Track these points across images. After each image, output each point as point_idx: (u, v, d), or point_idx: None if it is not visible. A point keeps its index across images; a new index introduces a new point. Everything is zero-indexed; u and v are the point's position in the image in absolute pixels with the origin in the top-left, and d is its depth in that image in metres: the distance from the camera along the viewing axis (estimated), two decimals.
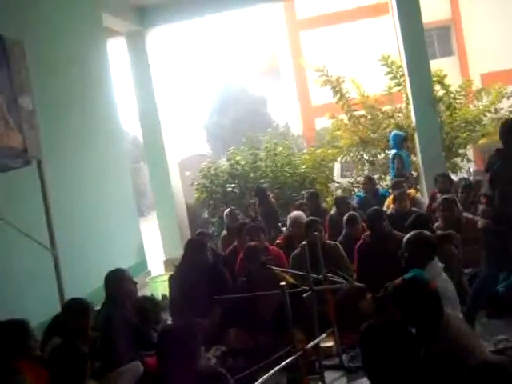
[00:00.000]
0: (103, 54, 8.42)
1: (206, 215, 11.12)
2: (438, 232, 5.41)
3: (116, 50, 10.78)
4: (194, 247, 5.50)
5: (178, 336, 2.98)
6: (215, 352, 4.71)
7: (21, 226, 5.06)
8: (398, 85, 9.99)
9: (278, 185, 10.30)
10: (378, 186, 8.97)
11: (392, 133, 9.34)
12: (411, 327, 3.19)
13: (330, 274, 4.35)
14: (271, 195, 8.74)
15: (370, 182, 8.51)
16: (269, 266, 4.74)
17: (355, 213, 6.54)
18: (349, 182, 10.58)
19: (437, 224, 5.78)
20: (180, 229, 10.07)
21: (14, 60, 5.03)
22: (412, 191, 8.48)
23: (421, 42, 9.02)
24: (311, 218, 6.14)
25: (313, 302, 4.00)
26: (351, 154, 10.56)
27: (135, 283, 4.88)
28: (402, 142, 9.12)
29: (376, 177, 10.49)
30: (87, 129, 7.40)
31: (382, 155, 10.27)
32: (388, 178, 10.47)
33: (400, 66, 9.76)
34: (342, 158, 10.77)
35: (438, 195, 7.27)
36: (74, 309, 4.20)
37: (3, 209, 5.08)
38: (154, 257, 10.03)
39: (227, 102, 29.08)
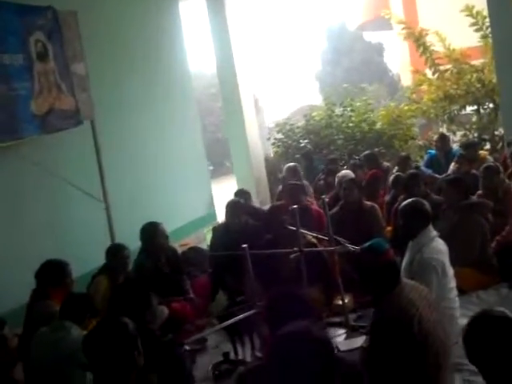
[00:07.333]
0: (174, 15, 8.68)
1: None
2: (474, 198, 5.32)
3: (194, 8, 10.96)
4: (228, 209, 5.80)
5: None
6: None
7: (77, 182, 5.70)
8: (484, 37, 9.41)
9: (353, 141, 10.24)
10: (451, 145, 8.54)
11: None
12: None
13: (336, 237, 4.50)
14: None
15: (442, 140, 8.18)
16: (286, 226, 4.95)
17: (402, 174, 6.51)
18: (426, 140, 10.27)
19: (478, 192, 5.65)
20: (257, 182, 10.18)
21: (66, 30, 5.57)
22: (482, 152, 8.12)
23: None
24: (349, 178, 6.21)
25: (300, 262, 4.21)
26: (432, 111, 10.18)
27: (167, 237, 5.38)
28: None
29: (460, 133, 10.12)
30: (151, 88, 7.79)
31: (462, 111, 9.81)
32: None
33: (486, 17, 9.15)
34: (422, 115, 10.42)
35: (509, 161, 6.96)
36: (112, 249, 4.98)
37: (61, 167, 5.71)
38: None
39: (340, 50, 28.31)
